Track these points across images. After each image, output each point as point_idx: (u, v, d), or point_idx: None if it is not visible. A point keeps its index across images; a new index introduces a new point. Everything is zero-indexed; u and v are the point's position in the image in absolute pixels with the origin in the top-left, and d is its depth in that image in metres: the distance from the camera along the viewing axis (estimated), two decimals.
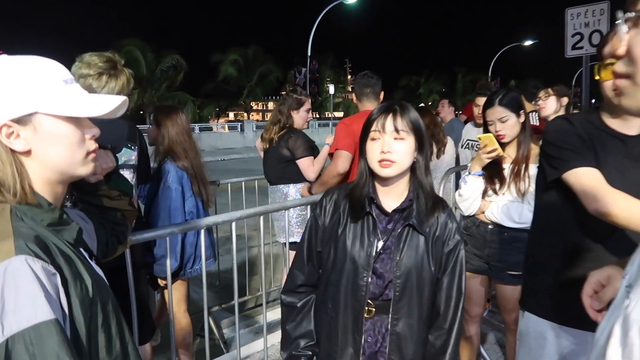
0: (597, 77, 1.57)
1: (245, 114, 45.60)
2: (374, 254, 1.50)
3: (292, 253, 3.43)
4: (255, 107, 54.99)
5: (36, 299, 0.79)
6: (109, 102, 0.98)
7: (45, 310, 0.79)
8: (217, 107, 43.78)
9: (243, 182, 4.38)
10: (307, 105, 3.63)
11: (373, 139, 1.49)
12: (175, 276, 2.75)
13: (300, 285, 1.64)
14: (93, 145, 1.02)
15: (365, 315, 1.51)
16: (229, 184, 4.27)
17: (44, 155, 0.94)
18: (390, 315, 1.50)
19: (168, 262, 2.22)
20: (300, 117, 3.58)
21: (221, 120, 48.00)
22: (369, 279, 1.50)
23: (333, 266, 1.56)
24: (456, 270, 1.53)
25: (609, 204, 1.43)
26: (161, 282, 2.81)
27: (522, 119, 2.45)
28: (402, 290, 1.49)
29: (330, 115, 35.11)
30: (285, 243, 3.34)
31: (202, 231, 2.33)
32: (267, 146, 3.60)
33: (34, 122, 0.91)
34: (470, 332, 2.73)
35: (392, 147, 1.46)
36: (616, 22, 0.62)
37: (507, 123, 2.42)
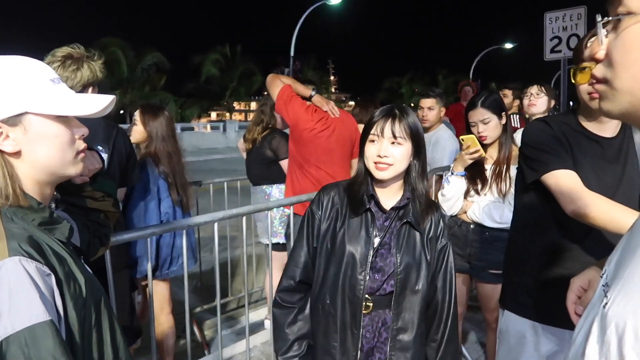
0: (573, 81, 1.60)
1: (227, 114, 45.32)
2: (372, 249, 1.54)
3: (275, 254, 3.45)
4: (237, 107, 54.70)
5: (31, 300, 0.79)
6: (98, 101, 0.97)
7: (40, 312, 0.79)
8: (200, 107, 43.43)
9: (225, 183, 4.35)
10: None
11: (372, 141, 1.54)
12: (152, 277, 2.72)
13: (299, 283, 1.64)
14: (82, 145, 1.01)
15: (363, 311, 1.54)
16: (211, 185, 4.24)
17: (34, 156, 0.93)
18: (391, 310, 1.54)
19: (149, 264, 2.20)
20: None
21: (203, 120, 47.64)
22: (367, 274, 1.53)
23: (330, 261, 1.58)
24: (447, 270, 1.59)
25: (586, 206, 1.46)
26: (141, 283, 2.78)
27: (504, 120, 2.50)
28: (403, 285, 1.53)
29: None
30: (268, 244, 3.33)
31: (184, 232, 2.31)
32: (250, 146, 3.59)
33: (24, 123, 0.90)
34: None
35: (388, 151, 1.51)
36: (596, 25, 0.63)
37: (489, 125, 2.46)
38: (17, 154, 0.92)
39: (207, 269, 4.38)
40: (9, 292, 0.78)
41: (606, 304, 0.59)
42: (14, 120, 0.89)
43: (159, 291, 2.80)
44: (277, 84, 3.16)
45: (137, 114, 2.80)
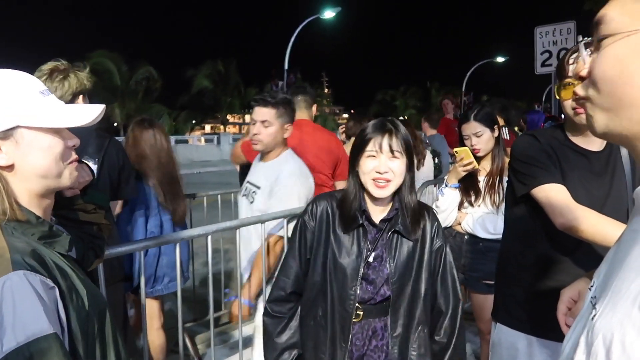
0: (557, 97, 1.64)
1: (222, 127, 45.33)
2: (363, 263, 1.54)
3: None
4: (231, 120, 54.73)
5: (35, 314, 0.79)
6: (88, 111, 0.98)
7: (45, 325, 0.79)
8: (194, 120, 43.43)
9: (219, 195, 4.34)
10: None
11: (370, 157, 1.53)
12: (135, 294, 2.73)
13: (290, 294, 1.64)
14: (74, 155, 1.01)
15: (354, 319, 1.55)
16: (205, 197, 4.23)
17: (28, 168, 0.93)
18: (389, 317, 1.55)
19: (142, 278, 2.18)
20: None
21: (197, 133, 47.59)
22: (358, 289, 1.54)
23: (322, 275, 1.58)
24: (447, 271, 1.61)
25: (575, 220, 1.48)
26: (131, 298, 2.76)
27: (496, 133, 2.54)
28: (398, 294, 1.54)
29: None
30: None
31: (177, 246, 2.30)
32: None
33: (15, 136, 0.91)
34: None
35: (388, 166, 1.51)
36: (578, 44, 0.65)
37: (482, 137, 2.50)
38: (11, 167, 0.92)
39: (200, 282, 4.35)
40: (13, 305, 0.78)
41: (594, 315, 0.60)
42: (5, 134, 0.89)
43: (150, 306, 2.78)
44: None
45: (131, 128, 2.82)
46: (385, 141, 1.52)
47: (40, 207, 0.97)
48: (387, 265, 1.55)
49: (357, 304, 1.54)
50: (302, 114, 3.24)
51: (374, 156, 1.52)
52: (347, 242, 1.57)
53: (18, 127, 0.90)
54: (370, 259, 1.55)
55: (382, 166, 1.50)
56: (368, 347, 1.56)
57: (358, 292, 1.53)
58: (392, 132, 1.53)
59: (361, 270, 1.54)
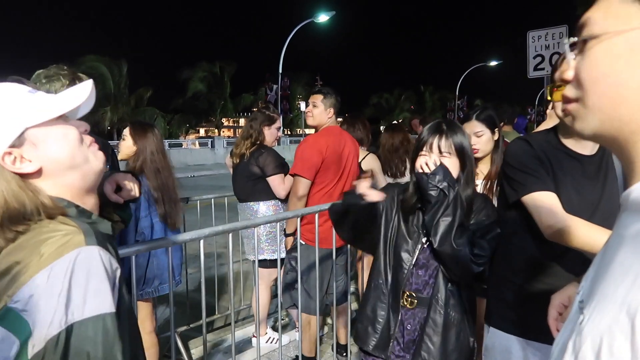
0: (548, 98, 1.65)
1: (216, 130, 45.27)
2: (418, 248, 1.78)
3: (262, 270, 3.43)
4: (226, 124, 54.69)
5: (103, 290, 0.82)
6: (80, 91, 0.97)
7: (110, 302, 0.82)
8: (188, 123, 43.36)
9: (212, 199, 4.33)
10: (278, 123, 3.65)
11: (422, 155, 1.77)
12: None
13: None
14: (90, 138, 1.01)
15: (408, 306, 1.79)
16: (199, 201, 4.21)
17: (55, 164, 0.93)
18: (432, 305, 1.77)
19: (133, 281, 2.17)
20: (270, 134, 3.58)
21: (191, 136, 47.50)
22: (412, 270, 1.79)
23: (389, 245, 1.84)
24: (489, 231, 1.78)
25: (563, 229, 1.49)
26: None
27: (497, 136, 2.54)
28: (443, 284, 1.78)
29: (301, 132, 35.26)
30: (254, 261, 3.31)
31: (169, 249, 2.29)
32: (238, 161, 3.58)
33: (29, 138, 0.90)
34: None
35: (437, 163, 1.72)
36: (565, 47, 0.65)
37: (482, 138, 2.51)
38: (39, 172, 0.92)
39: (193, 286, 4.33)
40: (85, 278, 0.81)
41: (582, 320, 0.60)
42: (19, 141, 0.90)
43: (142, 309, 2.75)
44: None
45: (126, 131, 2.80)
46: (435, 142, 1.75)
47: (86, 206, 0.98)
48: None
49: (412, 292, 1.77)
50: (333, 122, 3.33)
51: (426, 154, 1.76)
52: (404, 229, 1.82)
53: (26, 129, 0.90)
54: (424, 242, 1.79)
55: (430, 162, 1.72)
56: (418, 334, 1.77)
57: (413, 272, 1.78)
58: (444, 134, 1.75)
59: (417, 253, 1.78)
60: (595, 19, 0.61)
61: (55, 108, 0.94)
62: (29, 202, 0.89)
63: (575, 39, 0.63)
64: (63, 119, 0.96)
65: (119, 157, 2.76)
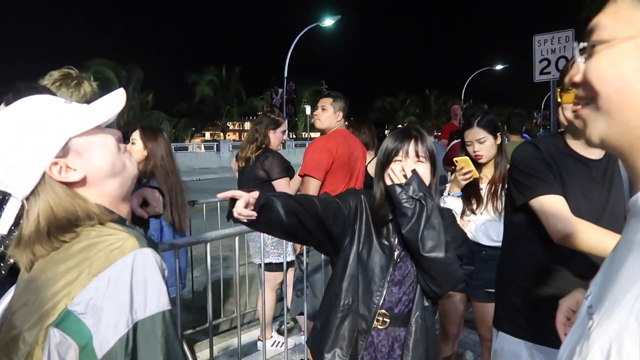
0: (559, 100, 1.64)
1: (221, 134, 45.41)
2: (392, 262, 1.65)
3: (268, 274, 3.43)
4: (231, 127, 54.85)
5: (161, 289, 0.87)
6: (114, 99, 0.99)
7: (167, 300, 0.87)
8: (193, 127, 43.50)
9: (218, 203, 4.34)
10: (284, 126, 3.66)
11: (397, 162, 1.65)
12: None
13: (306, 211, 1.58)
14: (123, 145, 1.04)
15: (380, 326, 1.63)
16: (204, 204, 4.23)
17: (98, 172, 0.95)
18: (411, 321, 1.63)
19: None
20: (276, 138, 3.59)
21: (197, 140, 47.67)
22: (385, 290, 1.63)
23: (357, 261, 1.66)
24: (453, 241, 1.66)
25: (572, 233, 1.49)
26: None
27: (499, 140, 2.54)
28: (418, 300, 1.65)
29: (306, 136, 35.31)
30: (260, 264, 3.32)
31: (176, 253, 2.30)
32: (243, 165, 3.59)
33: (73, 148, 0.93)
34: (446, 352, 2.75)
35: (413, 169, 1.62)
36: (573, 51, 0.66)
37: (485, 144, 2.51)
38: (83, 181, 0.94)
39: (199, 289, 4.34)
40: (145, 278, 0.86)
41: (591, 326, 0.60)
42: (64, 151, 0.92)
43: None
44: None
45: (136, 134, 2.82)
46: (412, 147, 1.65)
47: (121, 213, 1.00)
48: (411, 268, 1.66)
49: (384, 311, 1.63)
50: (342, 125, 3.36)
51: (400, 160, 1.65)
52: (376, 243, 1.68)
53: (70, 138, 0.92)
54: (395, 256, 1.66)
55: (407, 168, 1.62)
56: (391, 355, 1.63)
57: (385, 291, 1.63)
58: (418, 139, 1.67)
59: (391, 269, 1.64)
60: (604, 24, 0.62)
61: (95, 117, 0.96)
62: (80, 210, 0.91)
63: (585, 44, 0.64)
64: (99, 127, 0.98)
65: None
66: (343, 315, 1.64)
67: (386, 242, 1.67)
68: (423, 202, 1.57)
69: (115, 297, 0.83)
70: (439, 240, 1.54)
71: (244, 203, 1.34)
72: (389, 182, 1.63)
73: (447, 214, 1.73)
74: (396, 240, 1.67)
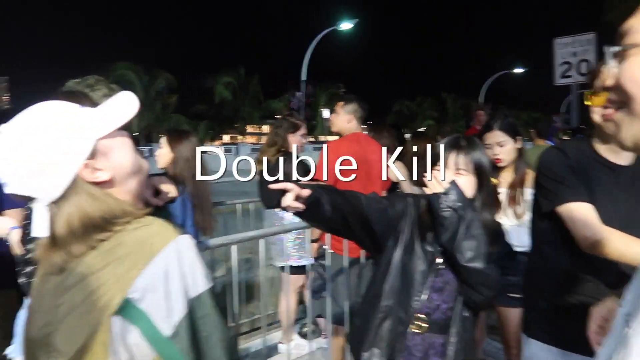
0: (587, 103, 1.60)
1: (240, 137, 45.72)
2: (434, 270, 1.64)
3: (289, 277, 3.44)
4: (250, 130, 55.15)
5: (203, 269, 0.97)
6: (127, 100, 1.03)
7: (209, 277, 0.97)
8: (212, 130, 43.89)
9: (240, 205, 4.38)
10: (303, 129, 3.68)
11: (436, 170, 1.63)
12: None
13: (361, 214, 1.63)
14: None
15: (417, 331, 1.63)
16: (224, 207, 4.26)
17: (123, 170, 1.00)
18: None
19: None
20: (296, 141, 3.62)
21: (216, 143, 48.03)
22: (423, 295, 1.63)
23: (399, 264, 1.66)
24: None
25: (600, 241, 1.47)
26: None
27: (519, 144, 2.52)
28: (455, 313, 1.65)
29: (323, 139, 35.34)
30: (282, 267, 3.34)
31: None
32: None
33: (100, 149, 0.96)
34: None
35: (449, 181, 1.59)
36: (605, 55, 0.66)
37: (505, 147, 2.49)
38: (111, 179, 0.98)
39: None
40: (191, 260, 0.95)
41: (629, 333, 0.60)
42: (93, 153, 0.95)
43: None
44: None
45: (163, 140, 2.85)
46: (452, 157, 1.65)
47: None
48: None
49: (422, 315, 1.62)
50: (358, 128, 3.37)
51: (438, 170, 1.63)
52: (419, 248, 1.67)
53: (97, 140, 0.96)
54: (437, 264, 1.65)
55: (447, 179, 1.60)
56: None
57: (424, 297, 1.63)
58: (462, 149, 1.65)
59: (430, 276, 1.63)
60: (637, 27, 0.62)
61: (116, 119, 1.00)
62: (116, 208, 0.96)
63: (618, 47, 0.64)
64: (117, 129, 1.01)
65: (158, 166, 2.82)
66: (383, 317, 1.64)
67: (429, 249, 1.66)
68: (462, 212, 1.55)
69: (169, 281, 0.91)
70: (478, 251, 1.52)
71: (294, 196, 1.40)
72: (428, 191, 1.63)
73: (493, 227, 1.70)
74: (438, 247, 1.65)
